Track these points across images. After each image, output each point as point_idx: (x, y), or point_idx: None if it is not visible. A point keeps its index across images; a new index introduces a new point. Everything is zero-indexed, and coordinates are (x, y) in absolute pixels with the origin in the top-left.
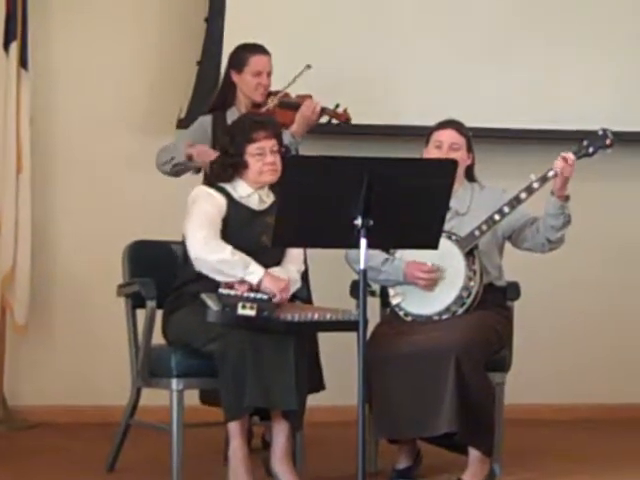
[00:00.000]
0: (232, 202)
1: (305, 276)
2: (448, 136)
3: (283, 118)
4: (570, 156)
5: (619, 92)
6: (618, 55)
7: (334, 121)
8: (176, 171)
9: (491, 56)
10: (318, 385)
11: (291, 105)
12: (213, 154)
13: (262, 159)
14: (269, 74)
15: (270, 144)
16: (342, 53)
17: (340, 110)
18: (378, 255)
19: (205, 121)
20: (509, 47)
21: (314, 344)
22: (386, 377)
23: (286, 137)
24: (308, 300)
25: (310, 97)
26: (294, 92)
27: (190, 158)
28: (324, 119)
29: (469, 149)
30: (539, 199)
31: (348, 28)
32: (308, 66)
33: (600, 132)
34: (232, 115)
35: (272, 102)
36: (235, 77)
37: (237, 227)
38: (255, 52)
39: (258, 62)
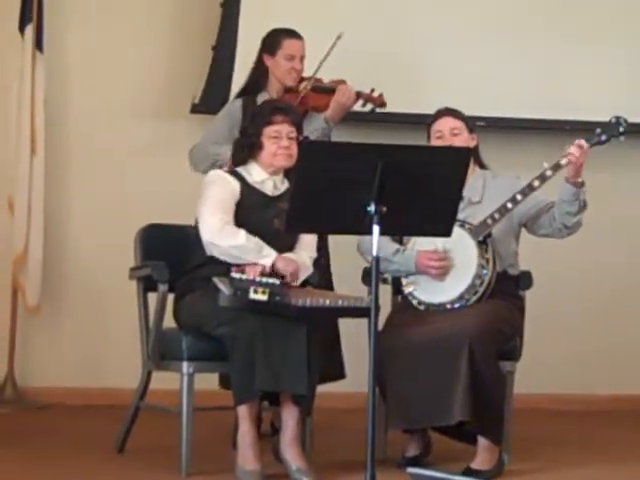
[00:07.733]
0: (246, 186)
1: (327, 265)
2: (445, 123)
3: (317, 102)
4: (583, 143)
5: (634, 83)
6: (633, 47)
7: (369, 105)
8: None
9: (506, 48)
10: (338, 374)
11: (325, 90)
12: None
13: (277, 142)
14: (302, 59)
15: (287, 130)
16: (357, 38)
17: (375, 94)
18: (389, 246)
19: (235, 105)
20: (524, 39)
21: (335, 332)
22: (399, 367)
23: (319, 121)
24: (329, 289)
25: (344, 82)
26: (326, 74)
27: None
28: (359, 104)
29: (471, 131)
30: (555, 185)
31: (367, 14)
32: (339, 36)
33: (613, 120)
34: (263, 100)
35: (305, 88)
36: (268, 60)
37: (250, 211)
38: (289, 36)
39: (291, 46)
